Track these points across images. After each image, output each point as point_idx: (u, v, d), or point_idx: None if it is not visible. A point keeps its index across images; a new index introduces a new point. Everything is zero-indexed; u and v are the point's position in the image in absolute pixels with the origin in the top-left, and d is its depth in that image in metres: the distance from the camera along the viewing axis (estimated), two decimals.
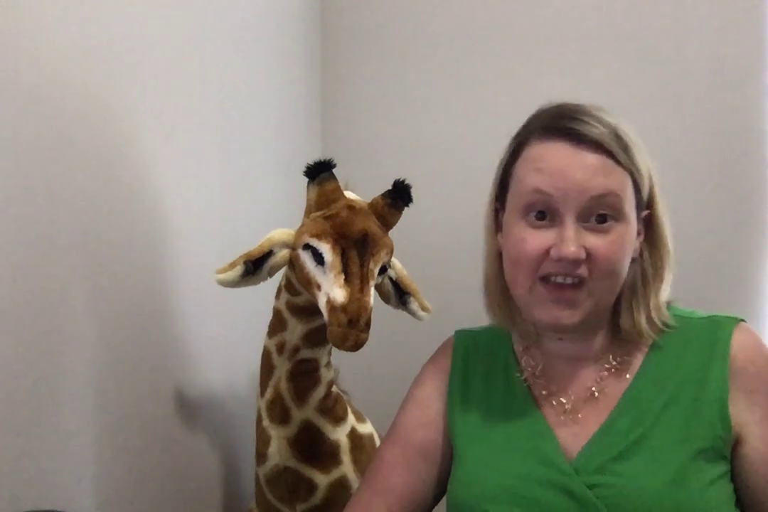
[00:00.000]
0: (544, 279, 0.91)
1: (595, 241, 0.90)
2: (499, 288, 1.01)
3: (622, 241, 0.91)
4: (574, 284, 0.90)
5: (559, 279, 0.91)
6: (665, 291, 0.98)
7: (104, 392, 1.09)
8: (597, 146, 0.91)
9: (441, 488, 1.04)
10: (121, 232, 1.13)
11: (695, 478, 0.87)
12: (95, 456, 1.07)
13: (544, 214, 0.91)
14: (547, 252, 0.90)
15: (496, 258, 1.00)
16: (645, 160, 0.95)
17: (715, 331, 0.95)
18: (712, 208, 1.73)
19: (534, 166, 0.93)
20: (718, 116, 1.73)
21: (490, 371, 1.04)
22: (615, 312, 0.98)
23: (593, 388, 0.96)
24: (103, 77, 1.09)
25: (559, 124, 0.93)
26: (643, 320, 0.95)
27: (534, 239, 0.91)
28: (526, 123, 0.98)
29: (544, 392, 0.98)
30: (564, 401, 0.96)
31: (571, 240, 0.88)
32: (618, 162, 0.91)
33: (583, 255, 0.89)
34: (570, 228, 0.89)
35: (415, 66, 1.90)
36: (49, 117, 0.98)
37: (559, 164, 0.91)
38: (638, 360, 0.97)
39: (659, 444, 0.90)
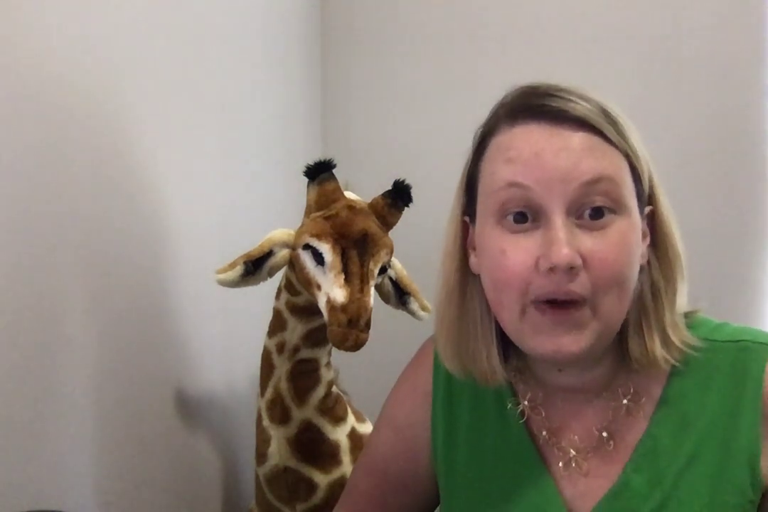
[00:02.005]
0: (537, 303, 0.73)
1: (593, 243, 0.71)
2: (457, 321, 0.82)
3: (626, 239, 0.73)
4: (574, 301, 0.71)
5: (557, 299, 0.72)
6: (681, 304, 0.79)
7: (104, 392, 1.09)
8: (581, 124, 0.73)
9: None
10: (121, 232, 1.13)
11: None
12: (95, 456, 1.07)
13: (525, 215, 0.73)
14: (535, 265, 0.72)
15: (458, 283, 0.82)
16: (640, 144, 0.77)
17: (746, 363, 0.76)
18: (711, 207, 1.73)
19: (503, 156, 0.74)
20: (718, 116, 1.73)
21: (478, 398, 0.86)
22: (621, 334, 0.78)
23: (603, 433, 0.79)
24: (102, 77, 1.09)
25: (529, 102, 0.75)
26: (657, 345, 0.76)
27: (516, 249, 0.72)
28: (490, 112, 0.80)
29: (544, 433, 0.81)
30: (567, 448, 0.80)
31: (562, 241, 0.70)
32: (609, 141, 0.73)
33: (578, 260, 0.70)
34: (558, 227, 0.70)
35: (416, 66, 1.90)
36: (48, 118, 0.98)
37: (534, 148, 0.72)
38: (654, 395, 0.79)
39: (686, 508, 0.74)
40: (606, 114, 0.74)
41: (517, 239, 0.73)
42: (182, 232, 1.28)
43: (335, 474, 1.20)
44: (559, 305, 0.72)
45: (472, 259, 0.81)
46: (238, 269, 1.12)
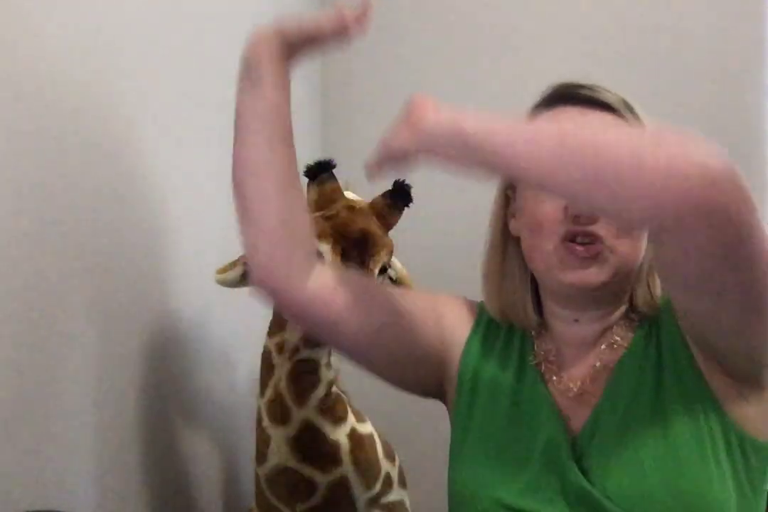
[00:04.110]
0: (565, 241, 0.88)
1: None
2: (500, 278, 0.97)
3: None
4: (596, 245, 0.87)
5: (580, 241, 0.87)
6: None
7: (104, 392, 1.09)
8: (607, 108, 0.89)
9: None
10: (121, 232, 1.13)
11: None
12: (95, 456, 1.07)
13: None
14: (565, 210, 0.87)
15: (500, 246, 0.97)
16: None
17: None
18: None
19: None
20: (718, 116, 1.73)
21: (505, 354, 0.99)
22: (631, 292, 0.94)
23: (597, 363, 0.93)
24: (102, 78, 1.09)
25: (566, 90, 0.91)
26: (659, 293, 0.92)
27: (551, 201, 0.88)
28: (531, 107, 0.96)
29: (554, 378, 0.95)
30: (572, 386, 0.93)
31: None
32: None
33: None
34: None
35: (416, 66, 1.90)
36: (49, 118, 0.98)
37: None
38: (630, 336, 0.94)
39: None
40: (626, 103, 0.90)
41: (553, 195, 0.87)
42: (182, 232, 1.28)
43: (335, 474, 1.20)
44: (583, 245, 0.87)
45: (512, 224, 0.96)
46: (239, 269, 1.12)
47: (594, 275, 0.88)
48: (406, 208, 1.12)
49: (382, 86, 1.93)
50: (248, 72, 0.92)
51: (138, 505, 1.16)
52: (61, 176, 1.01)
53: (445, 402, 1.02)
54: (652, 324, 0.93)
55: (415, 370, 1.00)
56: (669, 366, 0.89)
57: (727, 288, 0.77)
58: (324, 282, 0.93)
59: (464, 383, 0.98)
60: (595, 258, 0.87)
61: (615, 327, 0.94)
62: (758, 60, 1.71)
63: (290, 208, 0.91)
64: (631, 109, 0.90)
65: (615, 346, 0.93)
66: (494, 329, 1.00)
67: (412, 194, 1.11)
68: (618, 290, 0.92)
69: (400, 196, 1.11)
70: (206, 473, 1.37)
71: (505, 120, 0.79)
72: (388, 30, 1.92)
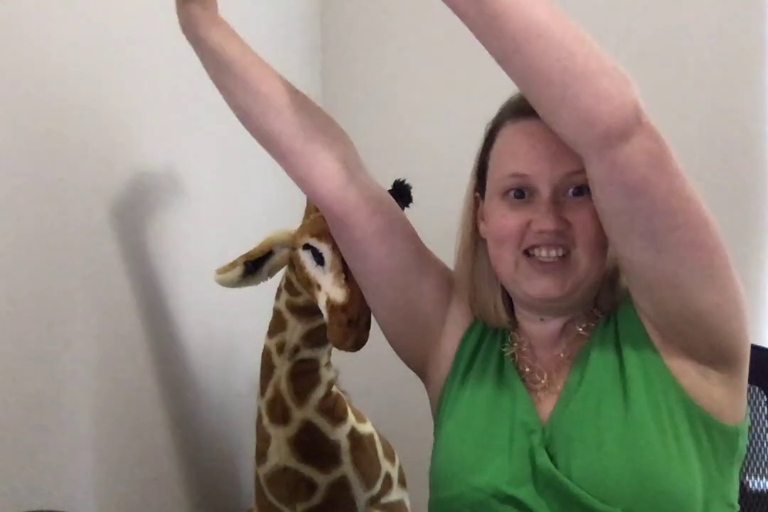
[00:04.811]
0: (528, 253, 0.91)
1: (574, 215, 0.89)
2: (471, 278, 1.00)
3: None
4: (559, 257, 0.90)
5: (543, 254, 0.90)
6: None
7: (104, 392, 1.09)
8: None
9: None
10: (121, 232, 1.13)
11: None
12: (96, 457, 1.07)
13: (523, 192, 0.91)
14: (528, 225, 0.90)
15: (471, 246, 1.00)
16: None
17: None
18: (711, 207, 1.73)
19: (508, 150, 0.93)
20: (718, 116, 1.73)
21: (493, 341, 1.03)
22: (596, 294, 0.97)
23: (561, 354, 0.96)
24: (102, 79, 1.09)
25: (528, 103, 0.89)
26: (617, 300, 0.96)
27: (514, 215, 0.91)
28: (499, 109, 0.98)
29: (527, 369, 0.98)
30: (539, 378, 0.96)
31: (551, 212, 0.89)
32: None
33: (562, 225, 0.89)
34: (547, 202, 0.89)
35: (416, 66, 1.90)
36: (49, 119, 0.99)
37: (530, 141, 0.90)
38: (591, 330, 0.97)
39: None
40: None
41: (516, 210, 0.91)
42: (182, 232, 1.29)
43: (335, 474, 1.20)
44: (546, 262, 0.90)
45: (482, 227, 0.99)
46: (238, 269, 1.12)
47: (556, 288, 0.90)
48: (406, 208, 1.12)
49: (382, 85, 1.93)
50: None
51: (138, 505, 1.16)
52: (61, 176, 1.01)
53: (425, 381, 1.05)
54: (611, 314, 0.96)
55: (412, 327, 1.02)
56: (628, 350, 0.92)
57: (656, 221, 0.81)
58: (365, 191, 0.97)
59: (459, 366, 1.01)
60: (557, 269, 0.90)
61: (576, 320, 0.97)
62: (758, 60, 1.71)
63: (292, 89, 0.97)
64: None
65: (575, 337, 0.96)
66: (486, 330, 1.03)
67: (412, 194, 1.11)
68: (581, 298, 0.94)
69: (400, 196, 1.11)
70: (206, 473, 1.37)
71: None
72: (389, 28, 1.93)
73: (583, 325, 0.97)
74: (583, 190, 0.89)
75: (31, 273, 0.95)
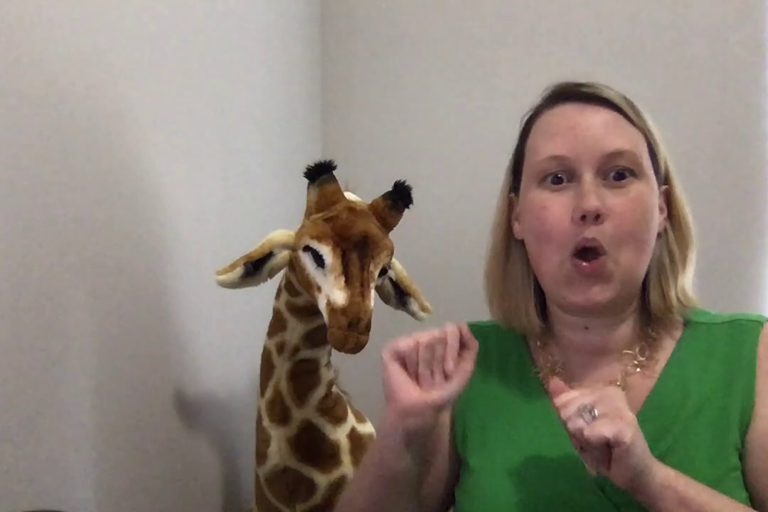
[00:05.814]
0: (573, 258, 0.87)
1: (615, 199, 0.86)
2: (502, 281, 0.97)
3: (643, 198, 0.88)
4: (599, 253, 0.86)
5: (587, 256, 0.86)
6: (690, 274, 0.94)
7: (104, 392, 1.09)
8: (607, 104, 0.89)
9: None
10: (121, 233, 1.13)
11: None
12: (95, 457, 1.07)
13: (561, 177, 0.88)
14: (570, 217, 0.86)
15: (504, 249, 0.97)
16: (657, 130, 0.92)
17: (742, 336, 0.90)
18: (711, 207, 1.73)
19: (546, 133, 0.91)
20: (719, 116, 1.73)
21: (503, 369, 0.98)
22: (643, 294, 0.93)
23: (618, 383, 0.90)
24: (101, 79, 1.09)
25: (565, 89, 0.92)
26: (673, 295, 0.91)
27: (554, 205, 0.88)
28: (535, 104, 0.97)
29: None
30: None
31: (591, 193, 0.85)
32: (630, 120, 0.89)
33: (603, 209, 0.85)
34: (588, 184, 0.86)
35: (416, 66, 1.90)
36: (49, 119, 0.99)
37: (569, 123, 0.88)
38: (663, 358, 0.92)
39: (688, 460, 0.84)
40: (627, 100, 0.91)
41: (555, 196, 0.88)
42: (182, 233, 1.29)
43: (335, 474, 1.20)
44: (588, 259, 0.86)
45: (516, 227, 0.96)
46: (239, 270, 1.12)
47: (600, 294, 0.87)
48: (406, 209, 1.12)
49: (382, 86, 1.93)
50: (407, 437, 0.86)
51: (138, 505, 1.16)
52: (61, 178, 1.01)
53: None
54: (693, 348, 0.90)
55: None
56: (738, 394, 0.86)
57: None
58: None
59: (471, 418, 0.97)
60: (600, 275, 0.86)
61: (636, 338, 0.92)
62: (759, 60, 1.71)
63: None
64: (631, 105, 0.91)
65: (639, 367, 0.91)
66: (487, 352, 0.97)
67: (412, 195, 1.11)
68: (627, 298, 0.91)
69: (400, 197, 1.11)
70: (206, 473, 1.37)
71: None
72: (389, 30, 1.93)
73: (645, 353, 0.91)
74: (625, 174, 0.87)
75: (30, 273, 0.95)
